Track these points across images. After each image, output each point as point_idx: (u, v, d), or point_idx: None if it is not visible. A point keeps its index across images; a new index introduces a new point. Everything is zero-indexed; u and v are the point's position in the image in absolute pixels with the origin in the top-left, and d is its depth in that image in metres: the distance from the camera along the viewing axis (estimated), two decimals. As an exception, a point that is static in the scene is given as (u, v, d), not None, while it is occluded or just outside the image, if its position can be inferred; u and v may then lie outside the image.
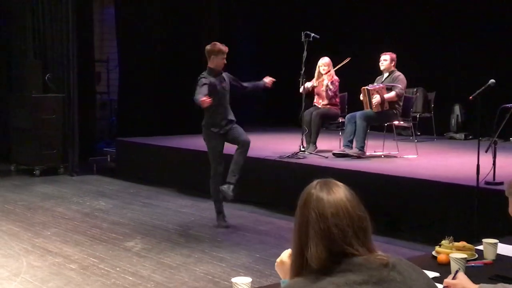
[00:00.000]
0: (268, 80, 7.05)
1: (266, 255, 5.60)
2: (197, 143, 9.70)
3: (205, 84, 6.53)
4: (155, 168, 9.60)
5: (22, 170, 10.39)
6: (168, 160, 9.39)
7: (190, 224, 6.83)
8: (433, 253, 3.15)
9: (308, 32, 7.92)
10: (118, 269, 5.18)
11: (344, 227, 1.77)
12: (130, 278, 4.95)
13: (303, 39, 7.93)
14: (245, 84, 7.12)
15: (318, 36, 7.94)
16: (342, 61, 8.42)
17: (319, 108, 8.53)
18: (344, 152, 7.80)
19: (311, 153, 8.00)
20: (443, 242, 3.16)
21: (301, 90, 8.18)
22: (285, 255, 2.30)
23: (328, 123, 8.89)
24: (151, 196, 8.46)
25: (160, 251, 5.72)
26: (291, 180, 7.49)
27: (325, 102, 8.54)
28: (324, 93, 8.48)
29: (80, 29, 10.88)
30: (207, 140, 6.83)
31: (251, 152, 8.35)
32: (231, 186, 6.62)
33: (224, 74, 6.84)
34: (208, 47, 6.77)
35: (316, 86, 8.52)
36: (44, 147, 10.16)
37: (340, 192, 1.84)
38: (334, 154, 7.91)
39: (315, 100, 8.68)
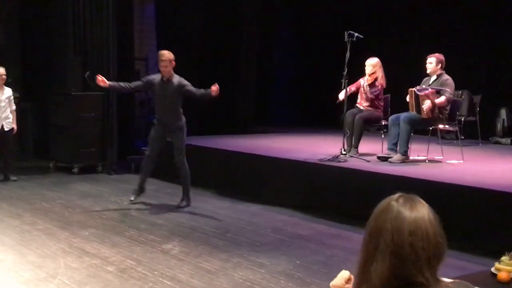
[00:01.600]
0: (214, 88, 7.52)
1: (307, 261, 5.43)
2: (236, 143, 9.62)
3: (142, 79, 8.07)
4: (193, 168, 9.43)
5: (61, 168, 10.42)
6: (205, 161, 9.28)
7: (227, 227, 6.70)
8: (493, 270, 2.95)
9: (351, 32, 7.71)
10: (156, 272, 5.07)
11: (418, 249, 1.59)
12: (168, 282, 4.84)
13: (346, 39, 7.73)
14: (195, 91, 7.85)
15: (362, 36, 7.73)
16: (387, 61, 8.18)
17: (362, 110, 8.32)
18: (389, 156, 7.58)
19: (352, 157, 7.80)
20: (503, 258, 2.96)
21: (340, 96, 7.97)
22: (340, 280, 2.08)
23: (370, 126, 8.65)
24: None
25: (198, 255, 5.60)
26: (331, 184, 7.32)
27: (368, 104, 8.32)
28: (367, 95, 8.27)
29: (120, 27, 10.86)
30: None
31: (290, 154, 8.24)
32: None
33: (176, 80, 7.68)
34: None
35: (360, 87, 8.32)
36: (82, 145, 10.17)
37: (423, 211, 1.66)
38: (378, 157, 7.69)
39: (358, 101, 8.46)
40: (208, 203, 7.92)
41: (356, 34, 7.69)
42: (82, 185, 9.10)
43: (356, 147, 8.13)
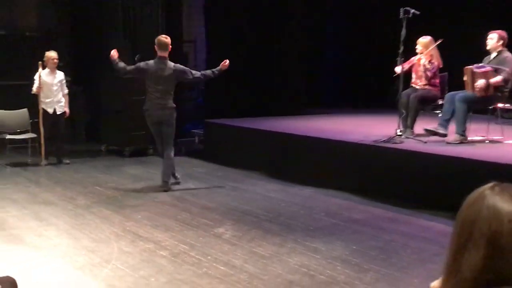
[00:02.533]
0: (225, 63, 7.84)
1: (364, 247, 5.27)
2: (286, 125, 9.47)
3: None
4: (243, 151, 9.40)
5: (112, 151, 10.47)
6: (256, 143, 9.17)
7: (280, 211, 6.58)
8: None
9: (407, 8, 7.41)
10: (209, 257, 5.00)
11: None
12: (222, 267, 4.75)
13: (401, 15, 7.44)
14: (198, 73, 8.13)
15: (418, 12, 7.43)
16: (442, 40, 7.86)
17: (417, 89, 8.05)
18: (437, 131, 7.33)
19: (408, 138, 7.55)
20: None
21: (397, 70, 7.72)
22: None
23: (426, 105, 8.36)
24: (239, 180, 8.28)
25: (251, 239, 5.50)
26: (387, 166, 7.11)
27: (424, 82, 8.04)
28: (422, 73, 7.98)
29: (169, 9, 10.79)
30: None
31: (343, 136, 8.04)
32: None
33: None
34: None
35: (415, 65, 8.03)
36: (133, 128, 10.18)
37: None
38: (426, 130, 7.46)
39: (412, 80, 8.18)
40: (259, 186, 7.81)
41: (412, 11, 7.39)
42: (133, 168, 9.12)
43: (412, 127, 7.88)
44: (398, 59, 7.58)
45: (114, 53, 7.62)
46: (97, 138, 11.15)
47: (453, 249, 1.50)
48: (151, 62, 7.62)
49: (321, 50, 13.60)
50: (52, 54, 9.29)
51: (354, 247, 5.28)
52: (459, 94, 7.34)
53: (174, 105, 7.75)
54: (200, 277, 4.54)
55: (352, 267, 4.77)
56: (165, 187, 7.55)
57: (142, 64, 7.74)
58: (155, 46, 7.60)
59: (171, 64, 7.61)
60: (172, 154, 7.76)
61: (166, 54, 7.58)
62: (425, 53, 7.91)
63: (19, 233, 5.69)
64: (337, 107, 12.34)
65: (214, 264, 4.84)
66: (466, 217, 1.48)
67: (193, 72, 7.95)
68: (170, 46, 7.64)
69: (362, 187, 7.27)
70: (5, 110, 9.68)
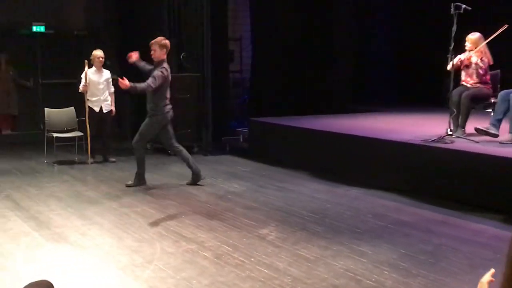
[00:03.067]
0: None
1: (413, 251, 5.08)
2: (332, 123, 9.30)
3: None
4: (289, 150, 9.28)
5: (158, 149, 10.47)
6: (302, 142, 9.03)
7: (326, 212, 6.43)
8: None
9: (458, 4, 7.16)
10: (252, 259, 4.89)
11: None
12: (266, 270, 4.64)
13: (452, 11, 7.19)
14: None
15: (470, 8, 7.17)
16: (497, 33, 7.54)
17: (468, 87, 7.77)
18: (488, 131, 7.06)
19: (459, 137, 7.30)
20: None
21: (448, 67, 7.48)
22: (487, 278, 1.80)
23: (478, 104, 8.07)
24: (284, 179, 8.15)
25: (296, 242, 5.38)
26: (437, 166, 6.89)
27: (475, 80, 7.77)
28: (473, 71, 7.71)
29: (214, 7, 10.74)
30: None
31: (391, 135, 7.84)
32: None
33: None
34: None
35: (466, 63, 7.75)
36: (178, 126, 10.15)
37: None
38: (476, 129, 7.21)
39: (463, 78, 7.91)
40: (305, 186, 7.67)
41: (463, 6, 7.13)
42: (179, 167, 9.08)
43: (463, 127, 7.63)
44: (449, 56, 7.34)
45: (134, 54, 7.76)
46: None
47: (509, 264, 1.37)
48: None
49: (368, 46, 13.35)
50: (98, 53, 9.34)
51: (402, 251, 5.10)
52: (514, 91, 7.08)
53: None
54: (243, 280, 4.44)
55: (400, 271, 4.59)
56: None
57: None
58: (164, 48, 7.54)
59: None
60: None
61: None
62: (476, 51, 7.63)
63: (63, 232, 5.70)
64: (385, 105, 12.10)
65: (257, 266, 4.73)
66: None
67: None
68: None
69: (411, 188, 7.06)
70: (52, 108, 9.78)
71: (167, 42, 7.61)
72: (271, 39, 12.21)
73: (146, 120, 7.67)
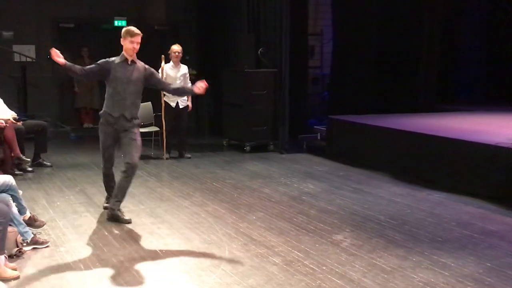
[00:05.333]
0: (199, 85, 5.87)
1: (499, 264, 4.66)
2: (415, 123, 8.85)
3: (97, 63, 5.87)
4: (368, 150, 8.90)
5: (234, 146, 10.35)
6: (382, 142, 8.63)
7: (405, 218, 6.05)
8: None
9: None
10: (324, 267, 4.61)
11: None
12: (338, 281, 4.35)
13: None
14: (170, 85, 6.61)
15: None
16: None
17: None
18: None
19: (554, 141, 6.74)
20: None
21: None
22: None
23: None
24: (362, 181, 7.80)
25: (371, 249, 5.05)
26: (529, 172, 6.36)
27: None
28: None
29: (294, 1, 10.48)
30: (99, 129, 6.00)
31: (479, 137, 7.34)
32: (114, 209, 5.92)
33: (141, 65, 5.97)
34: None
35: None
36: (254, 123, 10.00)
37: None
38: None
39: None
40: (384, 189, 7.29)
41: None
42: (252, 165, 8.91)
43: (559, 129, 7.04)
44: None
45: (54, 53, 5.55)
46: (220, 133, 11.10)
47: None
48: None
49: (455, 42, 12.72)
50: (175, 47, 9.27)
51: (489, 264, 4.68)
52: None
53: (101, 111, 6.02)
54: (313, 290, 4.18)
55: (485, 287, 4.19)
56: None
57: None
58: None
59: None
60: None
61: None
62: None
63: (132, 230, 5.61)
64: (473, 104, 11.48)
65: (329, 276, 4.45)
66: None
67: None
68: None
69: (499, 194, 6.56)
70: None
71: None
72: (353, 34, 11.81)
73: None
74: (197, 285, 4.27)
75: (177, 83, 9.27)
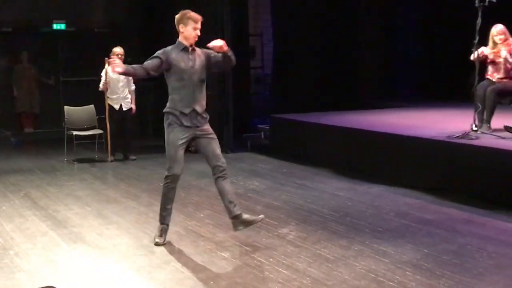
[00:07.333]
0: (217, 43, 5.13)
1: (437, 251, 4.93)
2: (355, 120, 9.15)
3: (157, 56, 5.19)
4: (310, 147, 9.15)
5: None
6: (324, 139, 8.89)
7: (347, 210, 6.30)
8: None
9: (483, -4, 6.97)
10: (271, 260, 4.79)
11: None
12: (285, 271, 4.53)
13: (477, 4, 6.99)
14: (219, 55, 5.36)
15: (494, 1, 6.96)
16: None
17: (494, 82, 7.57)
18: None
19: (484, 133, 7.11)
20: None
21: (472, 57, 7.28)
22: None
23: (504, 98, 7.85)
24: (306, 177, 8.03)
25: (316, 241, 5.26)
26: (462, 164, 6.70)
27: (501, 75, 7.58)
28: (501, 66, 7.50)
29: (234, 2, 10.64)
30: (167, 130, 5.26)
31: (415, 131, 7.67)
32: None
33: (199, 51, 5.30)
34: (176, 15, 5.36)
35: (491, 57, 7.55)
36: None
37: None
38: (505, 127, 7.01)
39: (488, 73, 7.71)
40: (327, 184, 7.54)
41: (488, -1, 6.94)
42: (198, 165, 8.96)
43: (489, 122, 7.43)
44: (474, 49, 7.15)
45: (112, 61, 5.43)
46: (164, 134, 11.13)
47: None
48: None
49: (393, 41, 13.14)
50: (117, 50, 9.29)
51: (426, 250, 4.95)
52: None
53: (165, 110, 5.29)
54: (262, 281, 4.34)
55: (424, 272, 4.45)
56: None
57: None
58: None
59: None
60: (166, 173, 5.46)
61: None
62: (507, 43, 7.42)
63: (80, 232, 5.65)
64: (411, 100, 11.90)
65: (277, 267, 4.62)
66: None
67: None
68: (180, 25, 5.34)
69: (435, 185, 6.88)
70: (72, 106, 9.75)
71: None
72: (293, 34, 12.07)
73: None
74: (149, 282, 4.37)
75: (120, 86, 9.31)
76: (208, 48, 5.21)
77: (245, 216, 5.29)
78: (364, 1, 12.09)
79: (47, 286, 2.44)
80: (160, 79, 11.16)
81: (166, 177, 5.31)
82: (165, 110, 5.24)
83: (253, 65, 13.39)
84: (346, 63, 11.87)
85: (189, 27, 5.22)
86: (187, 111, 5.15)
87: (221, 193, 5.32)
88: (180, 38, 5.26)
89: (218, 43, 5.12)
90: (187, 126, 5.19)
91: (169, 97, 5.24)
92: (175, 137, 5.19)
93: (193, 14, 5.29)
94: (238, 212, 5.26)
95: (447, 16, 11.89)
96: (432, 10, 12.48)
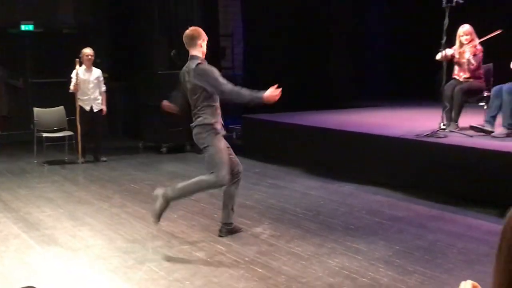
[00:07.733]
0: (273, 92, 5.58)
1: (408, 247, 5.03)
2: (326, 119, 9.23)
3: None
4: (282, 146, 9.22)
5: (150, 148, 10.40)
6: (294, 138, 8.96)
7: (319, 209, 6.37)
8: None
9: (450, -3, 7.10)
10: (246, 259, 4.83)
11: None
12: (260, 270, 4.57)
13: (444, 4, 7.13)
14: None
15: (462, 1, 7.10)
16: (490, 31, 7.47)
17: (461, 82, 7.72)
18: (483, 128, 7.02)
19: (452, 132, 7.25)
20: None
21: (437, 57, 7.42)
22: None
23: (471, 97, 8.02)
24: (278, 176, 8.09)
25: (290, 239, 5.31)
26: (430, 162, 6.83)
27: (467, 75, 7.72)
28: (465, 66, 7.65)
29: (204, 3, 10.66)
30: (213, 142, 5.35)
31: (385, 130, 7.78)
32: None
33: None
34: (194, 31, 5.37)
35: (457, 57, 7.70)
36: (170, 125, 10.08)
37: None
38: (472, 127, 7.16)
39: (455, 72, 7.86)
40: (298, 183, 7.61)
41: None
42: (170, 165, 9.02)
43: (456, 121, 7.58)
44: (441, 50, 7.29)
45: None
46: (135, 135, 11.11)
47: (503, 257, 1.33)
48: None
49: (363, 41, 13.29)
50: (87, 51, 9.24)
51: (397, 247, 5.04)
52: (507, 85, 7.02)
53: (207, 122, 5.37)
54: (237, 280, 4.37)
55: (396, 269, 4.54)
56: None
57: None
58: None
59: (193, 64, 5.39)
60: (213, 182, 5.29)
61: (194, 52, 5.40)
62: (472, 45, 7.56)
63: (53, 233, 5.62)
64: (381, 100, 12.04)
65: (251, 266, 4.67)
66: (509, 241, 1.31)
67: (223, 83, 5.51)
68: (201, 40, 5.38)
69: (404, 183, 7.01)
70: (42, 108, 9.65)
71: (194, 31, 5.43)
72: (264, 34, 12.13)
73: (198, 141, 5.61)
74: (124, 282, 4.37)
75: (90, 87, 9.26)
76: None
77: (235, 226, 5.53)
78: (335, 2, 12.19)
79: (27, 286, 2.43)
80: (128, 80, 11.14)
81: (222, 184, 5.30)
82: (208, 121, 5.36)
83: (224, 65, 13.38)
84: (317, 64, 11.96)
85: (204, 44, 5.42)
86: (221, 125, 5.47)
87: (230, 197, 5.46)
88: (198, 53, 5.39)
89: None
90: (223, 135, 5.48)
91: (206, 109, 5.40)
92: (223, 144, 5.40)
93: (202, 31, 5.42)
94: (231, 221, 5.48)
95: (415, 16, 12.06)
96: (402, 9, 12.64)
